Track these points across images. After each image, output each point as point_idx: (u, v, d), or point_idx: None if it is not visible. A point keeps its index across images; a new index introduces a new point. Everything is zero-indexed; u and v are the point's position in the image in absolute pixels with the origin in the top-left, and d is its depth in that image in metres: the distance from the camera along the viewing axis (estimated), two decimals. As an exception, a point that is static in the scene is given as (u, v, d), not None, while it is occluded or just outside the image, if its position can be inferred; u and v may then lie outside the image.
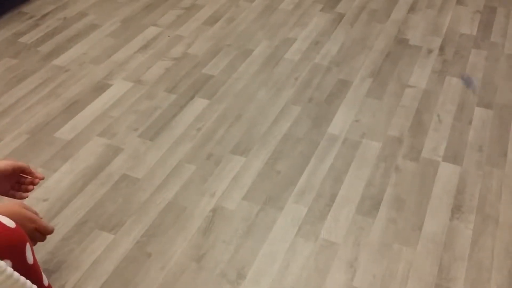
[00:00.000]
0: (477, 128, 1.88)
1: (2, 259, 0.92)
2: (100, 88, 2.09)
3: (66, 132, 1.88)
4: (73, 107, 1.99)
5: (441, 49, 2.29)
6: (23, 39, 2.37)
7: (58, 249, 1.49)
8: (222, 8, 2.62)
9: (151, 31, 2.44)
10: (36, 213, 1.21)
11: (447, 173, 1.71)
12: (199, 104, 2.02)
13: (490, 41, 2.33)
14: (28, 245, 1.03)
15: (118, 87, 2.10)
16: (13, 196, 1.34)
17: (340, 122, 1.92)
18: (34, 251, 1.08)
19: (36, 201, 1.62)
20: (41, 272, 1.11)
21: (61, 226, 1.55)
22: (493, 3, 2.60)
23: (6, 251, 0.96)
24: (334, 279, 1.42)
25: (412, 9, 2.58)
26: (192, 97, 2.05)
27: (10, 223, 1.00)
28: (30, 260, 1.04)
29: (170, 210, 1.61)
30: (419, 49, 2.29)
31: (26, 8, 2.60)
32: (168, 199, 1.64)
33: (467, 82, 1.57)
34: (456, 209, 1.59)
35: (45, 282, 1.13)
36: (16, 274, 0.92)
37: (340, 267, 1.44)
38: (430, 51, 2.28)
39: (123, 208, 1.61)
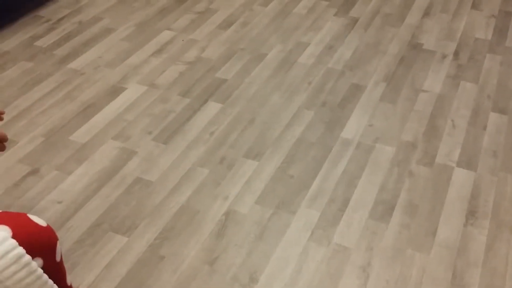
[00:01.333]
0: (491, 133, 1.87)
1: (33, 258, 0.94)
2: (115, 91, 2.11)
3: (81, 135, 1.90)
4: (88, 110, 2.01)
5: (456, 53, 2.28)
6: (39, 43, 2.40)
7: (72, 251, 1.50)
8: (236, 12, 2.63)
9: (165, 35, 2.46)
10: None
11: (461, 178, 1.70)
12: (212, 108, 2.03)
13: (505, 46, 2.31)
14: (58, 244, 1.05)
15: (133, 91, 2.11)
16: None
17: (353, 127, 1.92)
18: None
19: (51, 203, 1.64)
20: (65, 270, 1.13)
21: (75, 228, 1.57)
22: (508, 7, 2.58)
23: (37, 250, 0.98)
24: (346, 284, 1.41)
25: (426, 13, 2.57)
26: (205, 101, 2.06)
27: (42, 222, 1.02)
28: (58, 258, 1.06)
29: (183, 214, 1.61)
30: (433, 54, 2.28)
31: (42, 12, 2.63)
32: (181, 202, 1.65)
33: None
34: (470, 215, 1.58)
35: (68, 281, 1.15)
36: (45, 276, 0.94)
37: (352, 272, 1.44)
38: (444, 56, 2.27)
39: (136, 211, 1.62)
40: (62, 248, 1.50)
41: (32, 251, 0.95)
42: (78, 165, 1.78)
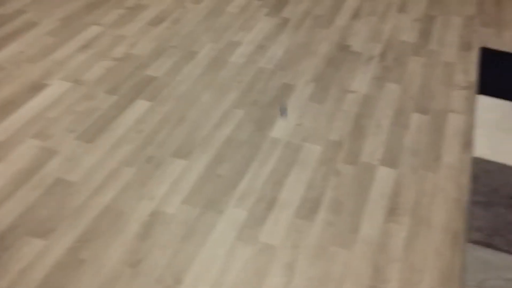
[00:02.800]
0: (413, 133, 1.94)
1: None
2: (37, 88, 2.02)
3: (-2, 133, 1.81)
4: (6, 108, 1.91)
5: (382, 55, 2.35)
6: (-45, 36, 2.26)
7: (-15, 256, 1.42)
8: (167, 9, 2.58)
9: (93, 30, 2.38)
10: None
11: (383, 176, 1.75)
12: (140, 106, 1.98)
13: (429, 49, 2.41)
14: None
15: (56, 87, 2.03)
16: None
17: (282, 126, 1.93)
18: None
19: (-37, 205, 1.55)
20: None
21: (-11, 231, 1.48)
22: (432, 11, 2.69)
23: None
24: (272, 282, 1.42)
25: (355, 16, 2.63)
26: (133, 99, 2.01)
27: None
28: None
29: (107, 215, 1.56)
30: (361, 55, 2.34)
31: (-41, 3, 2.48)
32: (105, 203, 1.60)
33: (282, 111, 1.66)
34: (392, 212, 1.63)
35: None
36: None
37: (278, 270, 1.45)
38: (371, 58, 2.33)
39: (56, 213, 1.55)
40: (-26, 253, 1.42)
41: None
42: (-6, 165, 1.69)
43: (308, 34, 2.47)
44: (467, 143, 1.88)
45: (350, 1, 2.75)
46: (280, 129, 1.92)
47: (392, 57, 2.34)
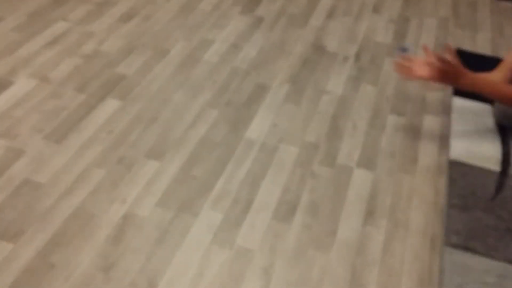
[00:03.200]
0: (389, 134, 1.93)
1: None
2: (2, 85, 1.93)
3: (-40, 132, 1.72)
4: (-31, 105, 1.82)
5: (357, 56, 2.34)
6: None
7: None
8: (137, 5, 2.52)
9: (60, 26, 2.30)
10: None
11: (360, 179, 1.74)
12: (110, 105, 1.92)
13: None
14: None
15: (22, 85, 1.94)
16: None
17: (258, 127, 1.90)
18: None
19: None
20: None
21: (-50, 236, 1.40)
22: (406, 12, 2.71)
23: None
24: (248, 286, 1.38)
25: (330, 15, 2.62)
26: (103, 98, 1.94)
27: None
28: None
29: (77, 218, 1.50)
30: (336, 56, 2.33)
31: None
32: (75, 205, 1.53)
33: (403, 50, 1.66)
34: (369, 215, 1.62)
35: None
36: None
37: (255, 274, 1.41)
38: (346, 58, 2.32)
39: (24, 216, 1.48)
40: None
41: None
42: (-45, 166, 1.60)
43: (283, 34, 2.44)
44: (444, 145, 1.89)
45: (324, 1, 2.74)
46: (255, 130, 1.89)
47: (368, 58, 2.33)
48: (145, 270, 1.40)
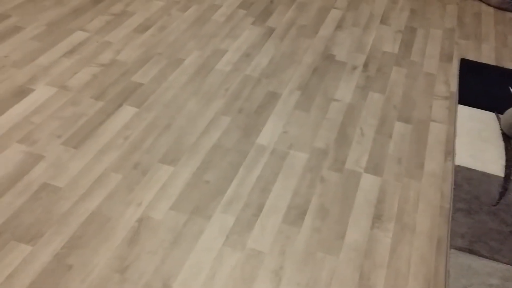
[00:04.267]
0: (396, 141, 1.98)
1: None
2: (22, 92, 2.01)
3: (-18, 138, 1.79)
4: (-9, 112, 1.90)
5: (365, 65, 2.39)
6: None
7: (-30, 262, 1.40)
8: (153, 16, 2.59)
9: (78, 35, 2.38)
10: None
11: (368, 184, 1.78)
12: (127, 112, 1.98)
13: (410, 60, 2.46)
14: None
15: (41, 93, 2.02)
16: None
17: (268, 133, 1.95)
18: None
19: None
20: None
21: (-25, 237, 1.47)
22: (413, 23, 2.76)
23: None
24: (259, 288, 1.43)
25: (339, 26, 2.68)
26: (120, 105, 2.01)
27: None
28: None
29: (93, 221, 1.56)
30: (345, 65, 2.38)
31: None
32: (92, 209, 1.59)
33: None
34: (376, 219, 1.66)
35: None
36: None
37: (265, 276, 1.46)
38: (354, 67, 2.37)
39: (42, 219, 1.54)
40: (-41, 259, 1.40)
41: None
42: (-22, 170, 1.67)
43: (293, 44, 2.50)
44: (449, 151, 1.93)
45: (333, 12, 2.80)
46: (266, 136, 1.94)
47: (375, 67, 2.38)
48: (160, 272, 1.45)
